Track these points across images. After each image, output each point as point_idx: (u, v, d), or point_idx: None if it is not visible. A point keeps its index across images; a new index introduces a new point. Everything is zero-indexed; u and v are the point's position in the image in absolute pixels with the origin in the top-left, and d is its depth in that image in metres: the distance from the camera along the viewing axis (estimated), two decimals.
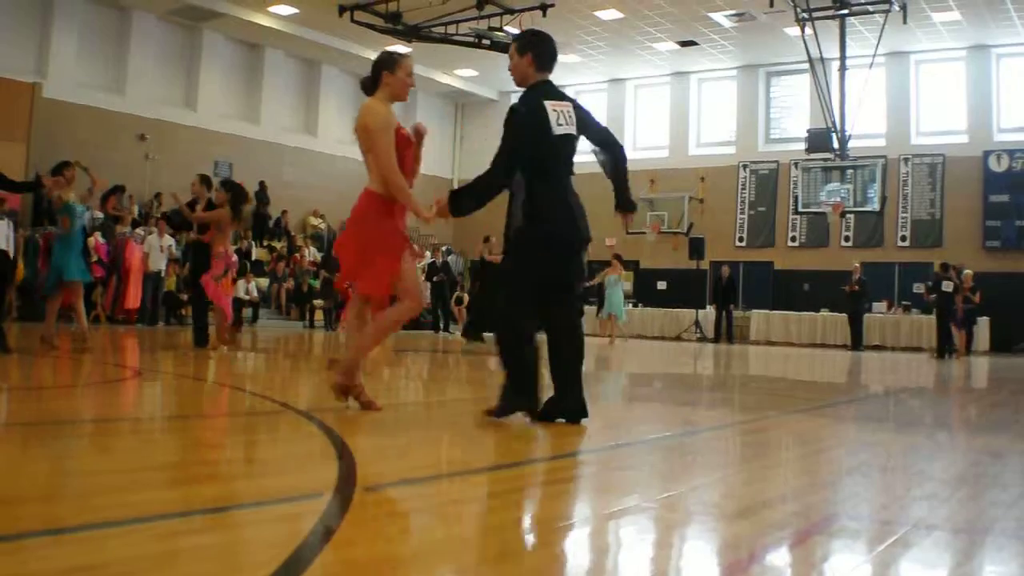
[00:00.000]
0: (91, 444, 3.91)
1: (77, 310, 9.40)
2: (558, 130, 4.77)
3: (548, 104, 4.79)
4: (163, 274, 18.61)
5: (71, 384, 6.65)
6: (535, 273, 4.81)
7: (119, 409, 5.46)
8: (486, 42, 18.32)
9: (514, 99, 5.08)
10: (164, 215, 18.62)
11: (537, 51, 4.90)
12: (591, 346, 17.45)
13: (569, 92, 5.15)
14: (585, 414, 4.78)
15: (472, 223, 15.50)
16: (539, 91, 4.87)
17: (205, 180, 10.68)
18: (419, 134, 5.15)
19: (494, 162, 4.82)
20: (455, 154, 29.65)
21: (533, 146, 4.77)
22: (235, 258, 10.22)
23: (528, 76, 4.91)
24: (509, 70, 5.03)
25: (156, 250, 18.26)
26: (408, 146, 5.05)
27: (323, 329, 20.80)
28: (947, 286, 17.61)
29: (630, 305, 25.65)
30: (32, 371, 7.48)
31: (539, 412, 4.77)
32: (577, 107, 4.95)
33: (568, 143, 4.88)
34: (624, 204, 5.19)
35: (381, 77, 4.96)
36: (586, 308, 21.32)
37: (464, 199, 4.88)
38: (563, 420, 4.77)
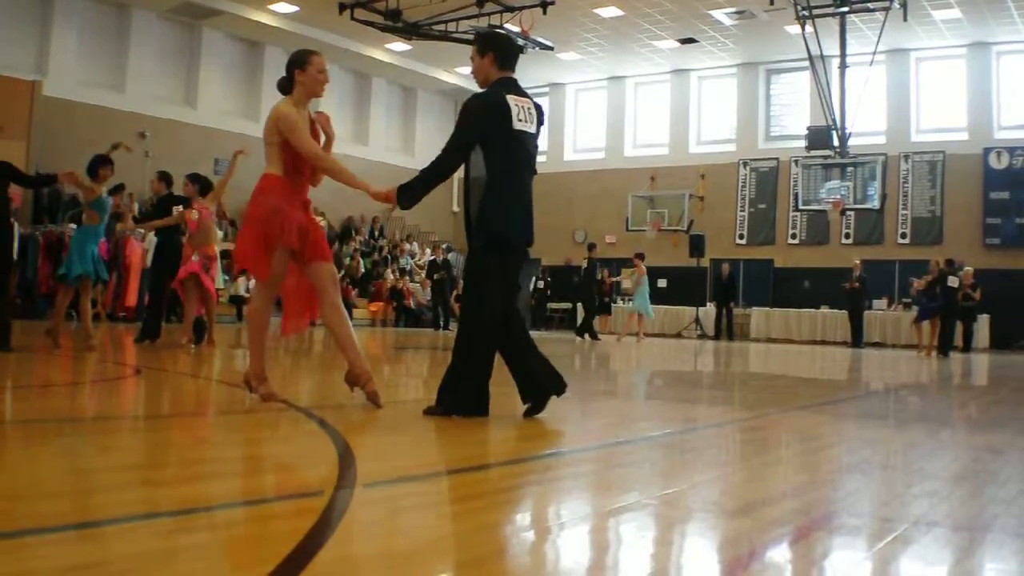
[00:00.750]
0: (90, 442, 3.91)
1: (83, 308, 9.30)
2: (518, 124, 4.78)
3: (510, 98, 4.80)
4: None
5: (71, 382, 6.64)
6: (499, 273, 4.82)
7: (118, 407, 5.46)
8: None
9: None
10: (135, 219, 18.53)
11: (498, 51, 4.92)
12: (606, 343, 17.59)
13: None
14: (557, 392, 4.88)
15: None
16: (501, 85, 4.87)
17: (164, 177, 10.67)
18: (323, 126, 5.36)
19: (448, 146, 4.81)
20: None
21: (494, 134, 4.74)
22: (215, 251, 10.27)
23: (490, 76, 4.92)
24: (472, 73, 5.05)
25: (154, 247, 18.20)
26: (318, 140, 5.24)
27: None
28: (952, 282, 17.60)
29: (631, 302, 25.72)
30: (33, 369, 7.48)
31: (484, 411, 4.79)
32: (538, 108, 4.99)
33: (528, 140, 4.89)
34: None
35: (294, 76, 5.25)
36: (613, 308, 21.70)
37: (413, 192, 4.86)
38: (530, 405, 4.86)
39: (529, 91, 5.03)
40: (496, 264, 4.81)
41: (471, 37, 18.06)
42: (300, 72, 5.23)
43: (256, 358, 5.19)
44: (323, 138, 5.28)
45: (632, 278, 19.64)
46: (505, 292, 4.86)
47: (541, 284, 25.61)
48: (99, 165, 9.06)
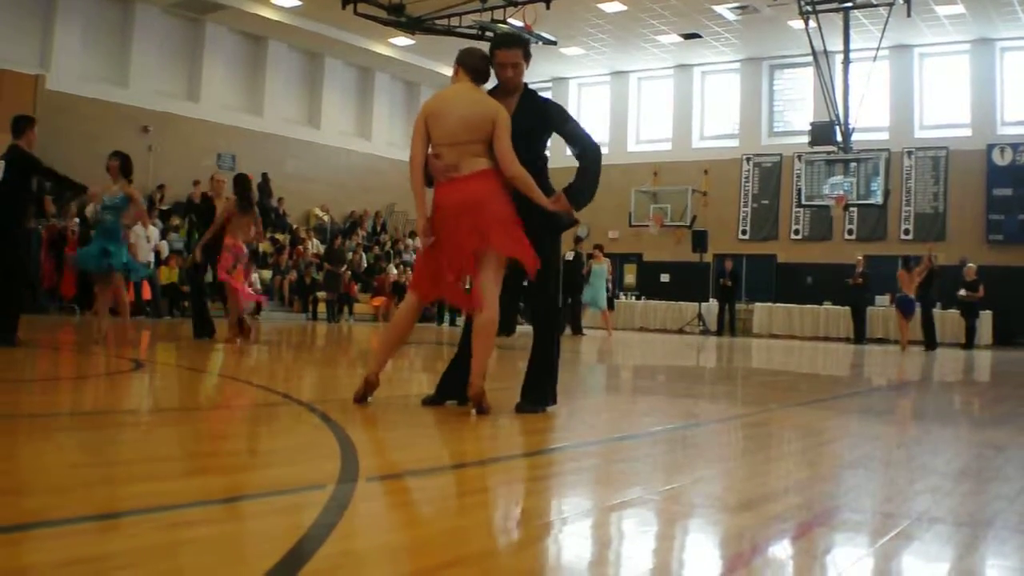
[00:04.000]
0: (91, 436, 3.91)
1: (117, 300, 9.29)
2: None
3: None
4: (150, 265, 18.46)
5: (71, 376, 6.65)
6: None
7: (120, 401, 5.46)
8: (489, 34, 18.26)
9: None
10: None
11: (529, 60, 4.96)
12: (592, 338, 17.57)
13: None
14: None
15: None
16: None
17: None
18: None
19: (586, 132, 4.96)
20: None
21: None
22: (246, 250, 10.16)
23: (521, 82, 4.97)
24: (516, 75, 4.90)
25: (143, 240, 18.01)
26: None
27: (325, 321, 20.80)
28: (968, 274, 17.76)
29: (633, 298, 25.69)
30: (36, 363, 7.49)
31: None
32: None
33: None
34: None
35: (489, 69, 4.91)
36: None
37: (588, 192, 4.86)
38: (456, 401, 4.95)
39: (532, 86, 5.07)
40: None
41: (475, 32, 18.07)
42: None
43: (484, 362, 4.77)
44: None
45: (593, 269, 19.38)
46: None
47: None
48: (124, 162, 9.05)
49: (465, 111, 4.72)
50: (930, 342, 18.25)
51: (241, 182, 10.24)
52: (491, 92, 4.94)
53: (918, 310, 18.18)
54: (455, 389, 4.93)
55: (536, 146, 4.92)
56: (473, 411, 4.63)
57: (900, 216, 23.54)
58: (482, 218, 4.63)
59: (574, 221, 4.97)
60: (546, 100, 5.12)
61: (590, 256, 19.40)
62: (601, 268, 19.20)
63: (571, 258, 19.64)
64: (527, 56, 4.91)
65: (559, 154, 5.16)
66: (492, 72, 4.90)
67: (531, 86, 5.03)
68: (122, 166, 8.98)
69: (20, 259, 8.55)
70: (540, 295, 4.99)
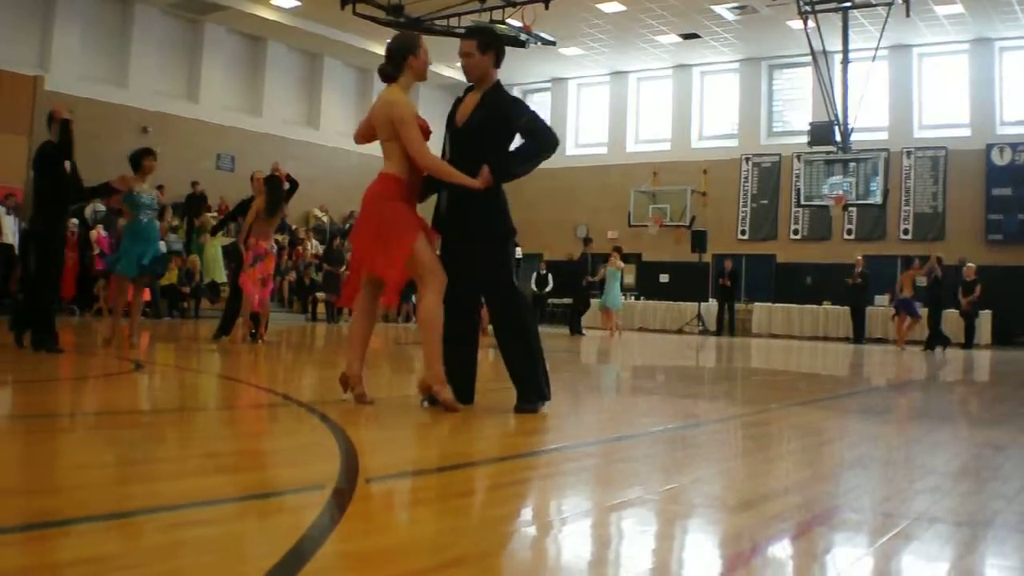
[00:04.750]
0: (93, 437, 3.92)
1: (134, 305, 9.25)
2: None
3: None
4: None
5: (72, 377, 6.65)
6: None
7: (121, 402, 5.46)
8: None
9: (516, 92, 5.13)
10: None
11: (500, 51, 4.99)
12: (591, 338, 17.58)
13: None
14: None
15: None
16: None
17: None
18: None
19: (546, 125, 4.93)
20: None
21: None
22: (265, 247, 10.14)
23: (489, 73, 4.97)
24: (468, 67, 4.97)
25: None
26: (428, 134, 5.01)
27: (325, 322, 20.80)
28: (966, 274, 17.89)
29: (633, 298, 25.67)
30: (38, 364, 7.49)
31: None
32: None
33: None
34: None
35: (406, 62, 4.88)
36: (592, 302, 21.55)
37: (513, 169, 4.90)
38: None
39: (531, 86, 5.13)
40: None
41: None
42: (414, 57, 4.89)
43: (435, 359, 4.78)
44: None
45: (607, 271, 19.41)
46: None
47: (547, 278, 25.57)
48: (141, 157, 8.92)
49: (375, 112, 4.89)
50: (935, 342, 18.23)
51: (271, 184, 10.23)
52: (468, 88, 5.02)
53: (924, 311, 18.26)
54: (454, 389, 4.93)
55: (498, 143, 4.90)
56: (425, 402, 4.81)
57: (899, 216, 23.54)
58: (368, 229, 4.81)
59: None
60: (507, 97, 5.01)
61: (606, 258, 19.44)
62: (615, 271, 19.19)
63: (577, 259, 19.71)
64: (484, 48, 4.91)
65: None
66: (396, 71, 4.91)
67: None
68: (132, 159, 8.96)
69: (58, 266, 8.43)
70: (491, 295, 4.98)
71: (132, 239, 8.89)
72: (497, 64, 4.99)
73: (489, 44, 4.95)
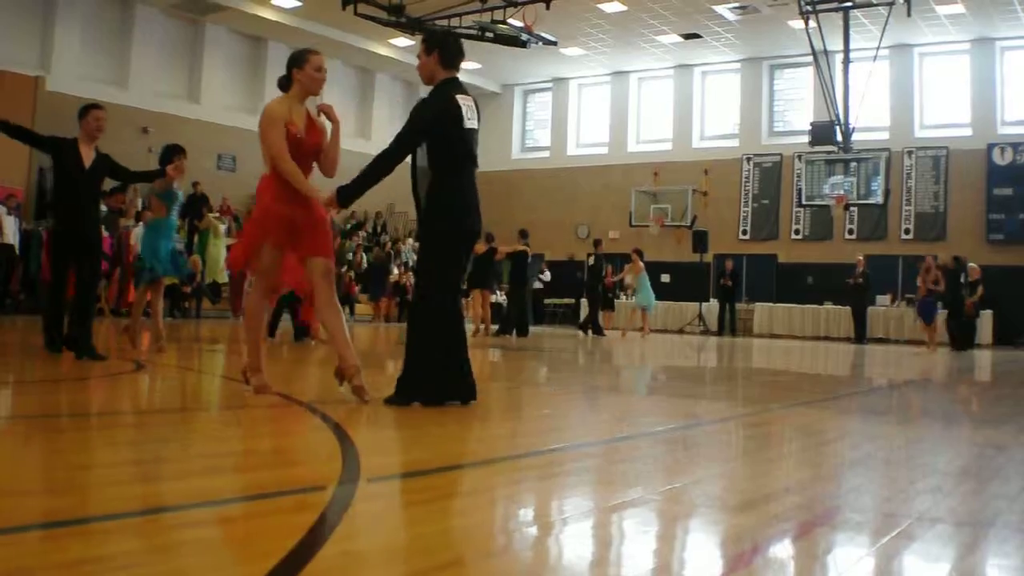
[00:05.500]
0: (93, 437, 3.92)
1: (155, 307, 9.02)
2: (468, 123, 5.00)
3: (459, 98, 4.99)
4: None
5: (72, 378, 6.65)
6: (455, 263, 5.05)
7: (122, 402, 5.47)
8: (489, 35, 18.27)
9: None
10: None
11: (444, 50, 5.07)
12: (615, 339, 17.58)
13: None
14: (475, 395, 5.05)
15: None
16: (449, 86, 5.04)
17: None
18: (327, 114, 5.27)
19: (395, 144, 4.99)
20: None
21: (448, 137, 4.95)
22: None
23: (436, 74, 5.08)
24: (417, 69, 5.21)
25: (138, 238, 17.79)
26: (319, 135, 5.25)
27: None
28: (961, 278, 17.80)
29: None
30: (39, 365, 7.48)
31: (433, 399, 4.94)
32: (476, 103, 5.18)
33: (474, 136, 5.08)
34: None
35: (292, 74, 5.28)
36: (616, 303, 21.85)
37: (349, 192, 5.07)
38: (458, 402, 4.99)
39: (532, 86, 5.14)
40: (462, 251, 5.05)
41: (475, 32, 18.08)
42: (298, 71, 5.28)
43: (253, 350, 5.24)
44: (328, 127, 5.30)
45: (638, 276, 19.73)
46: (460, 278, 5.15)
47: (547, 278, 25.59)
48: (173, 153, 8.64)
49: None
50: (961, 342, 18.29)
51: None
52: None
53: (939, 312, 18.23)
54: (455, 390, 4.95)
55: (426, 145, 5.01)
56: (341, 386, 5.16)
57: (900, 216, 23.53)
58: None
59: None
60: (419, 103, 5.14)
61: (629, 260, 19.92)
62: (643, 273, 19.61)
63: (592, 263, 19.90)
64: (428, 50, 5.06)
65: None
66: (287, 82, 5.32)
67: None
68: (162, 157, 8.71)
69: (98, 273, 8.20)
70: (415, 296, 5.17)
71: (158, 235, 8.77)
72: (445, 64, 5.08)
73: (432, 46, 5.08)
